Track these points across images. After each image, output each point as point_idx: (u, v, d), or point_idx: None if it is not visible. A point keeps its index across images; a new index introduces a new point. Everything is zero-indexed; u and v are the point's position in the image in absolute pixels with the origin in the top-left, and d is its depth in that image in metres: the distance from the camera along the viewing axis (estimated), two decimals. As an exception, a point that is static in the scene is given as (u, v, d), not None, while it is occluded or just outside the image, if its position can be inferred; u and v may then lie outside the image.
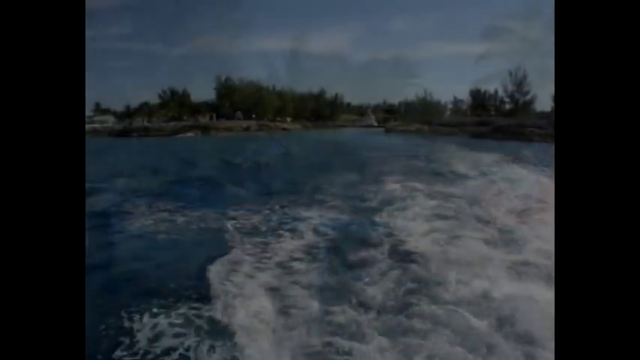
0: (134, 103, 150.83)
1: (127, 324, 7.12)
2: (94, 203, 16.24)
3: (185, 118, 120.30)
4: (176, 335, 6.77)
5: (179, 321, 7.26)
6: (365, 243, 11.21)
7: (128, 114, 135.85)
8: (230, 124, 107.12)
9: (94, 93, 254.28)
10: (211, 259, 9.82)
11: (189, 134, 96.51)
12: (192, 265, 9.97)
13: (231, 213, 14.80)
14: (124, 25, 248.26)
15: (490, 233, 11.58)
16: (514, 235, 11.36)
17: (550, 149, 40.71)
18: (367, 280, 8.82)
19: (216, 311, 7.60)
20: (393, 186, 18.63)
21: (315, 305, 7.70)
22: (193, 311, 7.59)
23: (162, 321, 7.25)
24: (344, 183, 19.93)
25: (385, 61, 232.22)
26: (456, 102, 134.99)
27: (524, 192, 17.11)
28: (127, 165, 33.71)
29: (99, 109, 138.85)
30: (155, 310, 7.50)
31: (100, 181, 21.85)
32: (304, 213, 14.44)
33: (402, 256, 9.90)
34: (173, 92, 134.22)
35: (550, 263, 8.28)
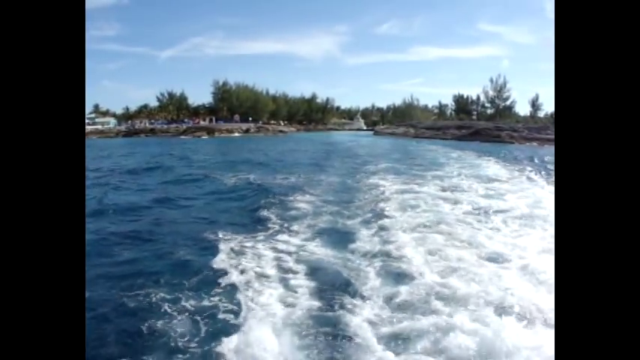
0: (125, 104, 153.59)
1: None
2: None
3: (186, 120, 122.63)
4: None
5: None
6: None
7: (128, 116, 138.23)
8: (231, 127, 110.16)
9: (87, 95, 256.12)
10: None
11: (198, 134, 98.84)
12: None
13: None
14: (113, 27, 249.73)
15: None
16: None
17: (518, 149, 47.00)
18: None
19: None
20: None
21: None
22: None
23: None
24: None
25: (373, 65, 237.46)
26: (441, 106, 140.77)
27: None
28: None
29: (98, 111, 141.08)
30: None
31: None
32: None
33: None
34: (171, 95, 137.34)
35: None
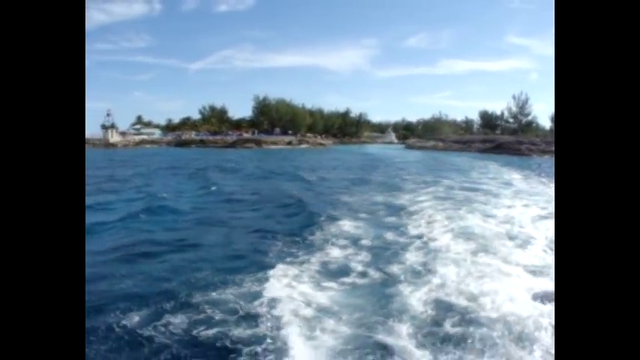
0: (155, 115, 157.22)
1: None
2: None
3: (230, 132, 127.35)
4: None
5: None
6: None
7: (172, 127, 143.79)
8: (275, 139, 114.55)
9: (110, 104, 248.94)
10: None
11: (247, 146, 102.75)
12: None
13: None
14: (143, 39, 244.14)
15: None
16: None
17: (534, 161, 53.83)
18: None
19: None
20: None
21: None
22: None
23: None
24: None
25: (402, 78, 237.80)
26: (467, 121, 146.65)
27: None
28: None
29: (142, 121, 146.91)
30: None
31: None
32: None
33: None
34: (212, 108, 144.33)
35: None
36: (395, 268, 9.07)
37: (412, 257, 9.88)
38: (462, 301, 7.14)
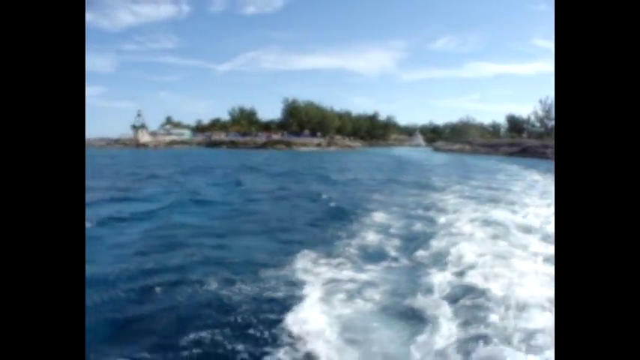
0: (182, 116, 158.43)
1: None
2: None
3: (259, 133, 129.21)
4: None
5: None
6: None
7: (202, 128, 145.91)
8: (305, 141, 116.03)
9: (137, 104, 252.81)
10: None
11: (277, 148, 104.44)
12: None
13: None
14: (171, 40, 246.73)
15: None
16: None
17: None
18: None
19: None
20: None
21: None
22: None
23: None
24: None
25: (429, 81, 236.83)
26: (494, 125, 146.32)
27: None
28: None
29: (171, 122, 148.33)
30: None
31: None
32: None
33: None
34: (242, 110, 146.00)
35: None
36: (422, 252, 10.24)
37: (438, 243, 11.05)
38: (479, 282, 7.96)
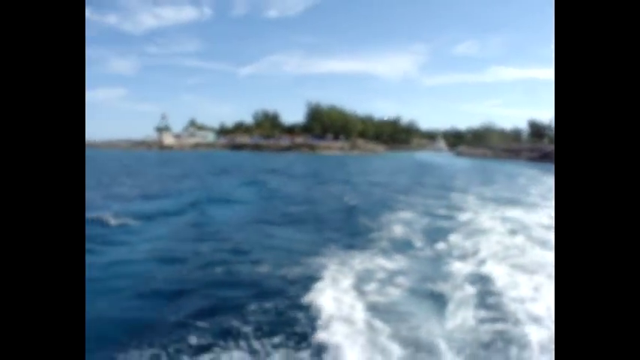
0: (204, 118, 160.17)
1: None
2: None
3: (282, 137, 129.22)
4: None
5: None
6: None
7: (225, 131, 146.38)
8: (328, 144, 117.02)
9: (159, 107, 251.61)
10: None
11: (300, 151, 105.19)
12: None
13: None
14: (193, 43, 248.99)
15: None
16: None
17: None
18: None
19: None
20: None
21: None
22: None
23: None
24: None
25: (451, 86, 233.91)
26: (516, 130, 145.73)
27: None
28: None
29: (195, 125, 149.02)
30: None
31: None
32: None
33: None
34: (265, 113, 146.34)
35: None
36: (443, 245, 11.47)
37: (458, 237, 12.32)
38: (493, 270, 9.12)
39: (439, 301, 7.55)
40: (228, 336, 6.13)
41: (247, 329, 6.32)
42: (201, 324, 6.49)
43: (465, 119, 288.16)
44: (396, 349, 5.83)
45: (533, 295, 7.68)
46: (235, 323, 6.49)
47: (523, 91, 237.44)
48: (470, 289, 8.02)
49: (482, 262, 9.78)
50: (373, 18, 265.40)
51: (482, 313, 7.00)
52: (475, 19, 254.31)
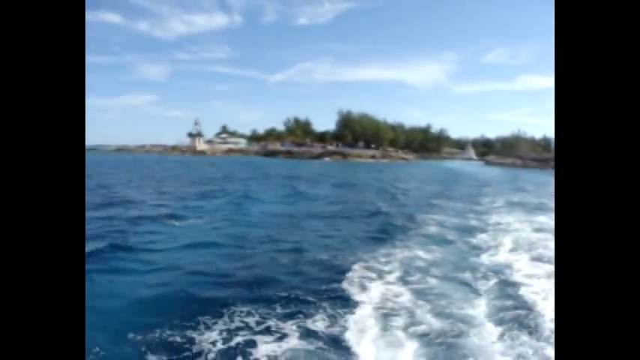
0: (235, 125, 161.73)
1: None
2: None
3: (315, 144, 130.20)
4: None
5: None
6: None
7: (257, 137, 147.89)
8: (360, 152, 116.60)
9: (190, 113, 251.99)
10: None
11: (333, 158, 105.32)
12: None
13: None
14: (224, 50, 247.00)
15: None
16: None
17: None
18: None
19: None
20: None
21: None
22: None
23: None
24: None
25: (481, 94, 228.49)
26: (546, 139, 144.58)
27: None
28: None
29: (227, 131, 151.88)
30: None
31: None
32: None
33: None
34: (297, 120, 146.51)
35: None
36: (474, 240, 13.26)
37: (486, 235, 13.97)
38: (515, 261, 10.75)
39: (468, 286, 8.97)
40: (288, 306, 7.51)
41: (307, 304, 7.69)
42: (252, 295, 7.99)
43: (495, 128, 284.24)
44: (434, 322, 7.01)
45: (547, 286, 8.86)
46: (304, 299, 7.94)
47: (553, 99, 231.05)
48: (494, 278, 9.43)
49: (505, 255, 11.43)
50: (403, 26, 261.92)
51: (503, 299, 8.20)
52: (505, 27, 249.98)
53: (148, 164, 61.52)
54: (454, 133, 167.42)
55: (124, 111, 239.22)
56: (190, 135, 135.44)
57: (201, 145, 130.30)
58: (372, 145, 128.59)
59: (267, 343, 6.18)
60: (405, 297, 8.19)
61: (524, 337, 6.49)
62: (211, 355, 5.80)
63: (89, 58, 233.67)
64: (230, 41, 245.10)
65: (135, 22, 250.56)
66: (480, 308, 7.71)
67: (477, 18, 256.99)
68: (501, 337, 6.53)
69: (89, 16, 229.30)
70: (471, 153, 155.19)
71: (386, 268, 9.98)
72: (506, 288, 8.84)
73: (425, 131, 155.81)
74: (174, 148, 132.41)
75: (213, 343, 6.12)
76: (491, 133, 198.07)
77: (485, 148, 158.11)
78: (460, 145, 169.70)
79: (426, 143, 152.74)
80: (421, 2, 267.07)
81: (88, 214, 15.21)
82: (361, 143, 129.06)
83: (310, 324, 6.83)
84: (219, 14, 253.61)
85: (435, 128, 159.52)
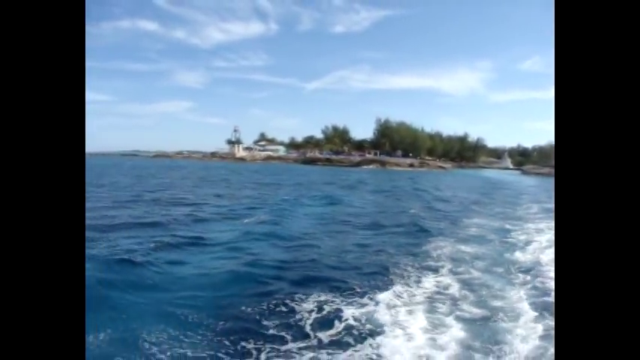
0: (273, 132, 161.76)
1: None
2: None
3: (353, 152, 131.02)
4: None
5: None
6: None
7: (295, 145, 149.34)
8: (398, 161, 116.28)
9: (227, 120, 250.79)
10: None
11: (371, 167, 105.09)
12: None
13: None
14: (261, 58, 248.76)
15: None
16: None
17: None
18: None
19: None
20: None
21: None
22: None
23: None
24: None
25: (517, 102, 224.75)
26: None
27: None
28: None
29: (265, 138, 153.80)
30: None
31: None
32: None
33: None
34: (335, 128, 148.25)
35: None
36: (511, 239, 15.28)
37: (522, 236, 15.98)
38: (543, 258, 12.21)
39: (504, 279, 10.24)
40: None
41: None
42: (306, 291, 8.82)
43: (532, 137, 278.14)
44: (477, 311, 7.96)
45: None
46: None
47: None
48: (528, 273, 10.70)
49: (538, 254, 13.12)
50: (439, 34, 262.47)
51: (535, 290, 9.32)
52: (540, 34, 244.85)
53: (193, 170, 64.91)
54: (491, 142, 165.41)
55: (161, 117, 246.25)
56: (230, 142, 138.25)
57: (240, 152, 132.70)
58: (410, 154, 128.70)
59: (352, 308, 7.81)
60: (454, 288, 9.40)
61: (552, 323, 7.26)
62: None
63: (126, 65, 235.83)
64: (267, 49, 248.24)
65: (172, 30, 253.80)
66: (515, 297, 8.83)
67: (512, 26, 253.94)
68: (535, 320, 7.54)
69: (126, 24, 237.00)
70: (508, 162, 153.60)
71: (433, 264, 11.38)
72: (538, 280, 10.01)
73: (462, 140, 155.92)
74: (213, 154, 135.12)
75: (310, 312, 7.64)
76: (528, 142, 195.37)
77: (522, 158, 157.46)
78: (497, 154, 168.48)
79: (463, 152, 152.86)
80: (455, 9, 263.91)
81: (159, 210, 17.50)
82: (399, 152, 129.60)
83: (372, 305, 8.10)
84: (256, 22, 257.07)
85: (472, 137, 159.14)
